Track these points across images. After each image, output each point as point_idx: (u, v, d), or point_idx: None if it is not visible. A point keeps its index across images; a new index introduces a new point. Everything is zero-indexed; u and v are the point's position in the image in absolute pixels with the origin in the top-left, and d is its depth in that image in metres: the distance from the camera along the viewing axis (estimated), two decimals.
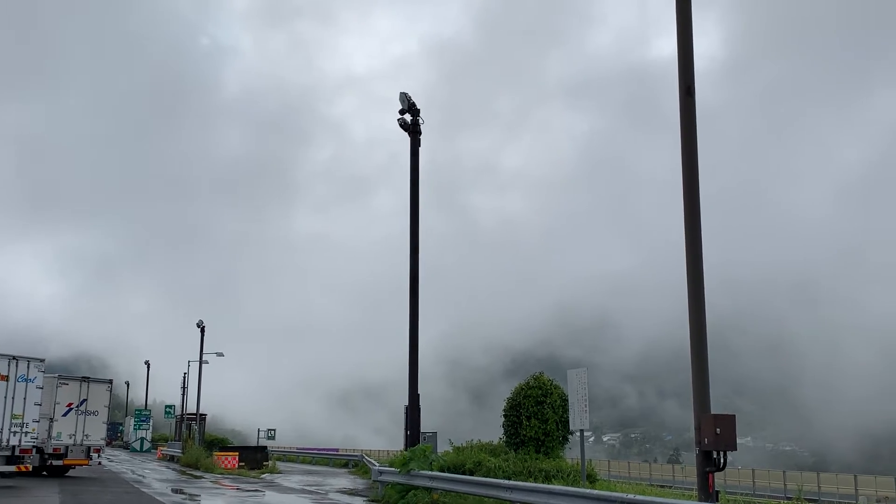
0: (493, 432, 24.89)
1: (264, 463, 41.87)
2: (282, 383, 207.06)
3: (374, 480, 24.98)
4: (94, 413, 31.76)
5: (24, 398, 26.62)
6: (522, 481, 17.69)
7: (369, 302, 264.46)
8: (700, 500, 13.68)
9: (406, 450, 24.04)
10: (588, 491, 14.77)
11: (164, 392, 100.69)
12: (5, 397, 26.04)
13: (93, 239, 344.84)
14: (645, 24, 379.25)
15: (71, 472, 32.53)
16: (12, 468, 26.15)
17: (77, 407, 31.35)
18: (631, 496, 13.10)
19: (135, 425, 76.33)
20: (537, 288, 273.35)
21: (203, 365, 54.75)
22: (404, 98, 26.13)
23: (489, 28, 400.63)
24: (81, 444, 31.20)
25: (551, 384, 22.62)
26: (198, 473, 37.13)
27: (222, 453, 41.06)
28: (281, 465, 45.38)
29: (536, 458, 21.01)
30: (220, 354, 56.65)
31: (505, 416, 22.87)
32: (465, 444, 24.39)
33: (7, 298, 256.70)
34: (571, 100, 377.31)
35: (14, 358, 26.57)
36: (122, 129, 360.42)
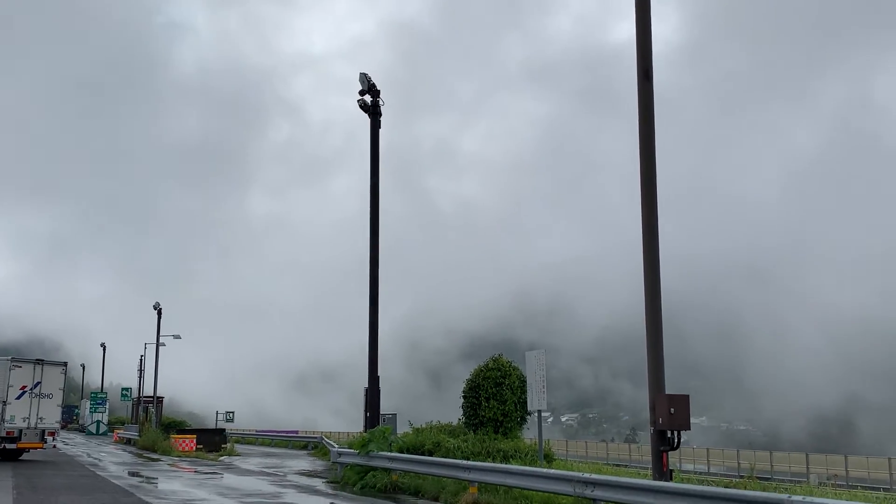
0: (452, 414, 25.04)
1: (223, 445, 41.66)
2: (240, 366, 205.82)
3: (333, 462, 25.03)
4: (48, 396, 31.32)
5: None
6: (481, 461, 17.88)
7: (328, 284, 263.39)
8: (654, 479, 13.95)
9: (366, 431, 24.13)
10: (545, 470, 14.99)
11: (121, 375, 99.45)
12: None
13: (45, 219, 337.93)
14: (604, 9, 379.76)
15: (25, 456, 32.10)
16: None
17: (31, 390, 30.89)
18: (587, 475, 13.32)
19: (91, 408, 75.41)
20: (495, 272, 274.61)
21: (160, 347, 54.22)
22: (364, 79, 25.98)
23: (449, 10, 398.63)
24: (36, 428, 30.78)
25: (510, 366, 22.81)
26: (155, 456, 36.86)
27: (180, 436, 40.79)
28: (240, 448, 45.22)
29: (495, 439, 21.21)
30: (176, 337, 56.14)
31: (464, 397, 23.01)
32: (424, 426, 24.52)
33: None
34: (530, 84, 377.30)
35: None
36: (75, 106, 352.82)
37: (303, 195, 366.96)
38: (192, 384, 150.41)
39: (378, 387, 25.83)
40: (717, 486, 12.23)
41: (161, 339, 54.12)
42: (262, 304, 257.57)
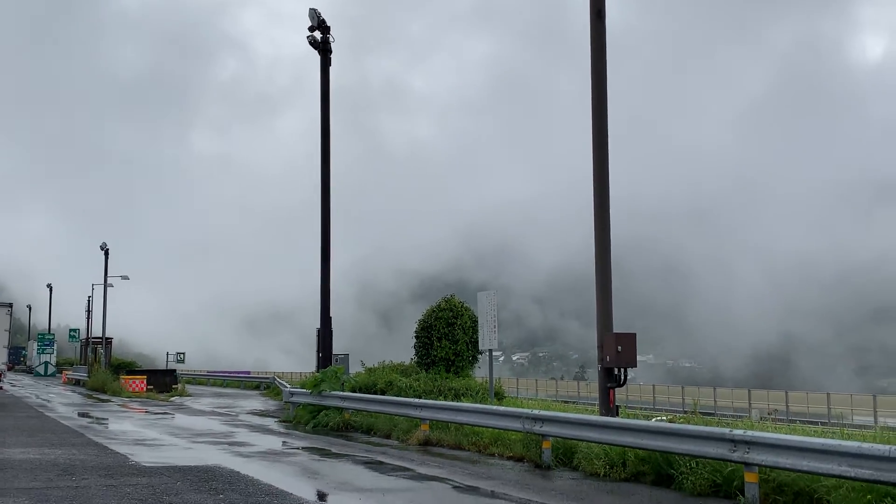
0: (405, 354, 25.28)
1: (173, 386, 41.56)
2: (190, 307, 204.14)
3: (285, 402, 25.18)
4: None
5: None
6: (433, 400, 18.16)
7: (278, 225, 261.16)
8: (601, 415, 14.34)
9: (318, 372, 24.27)
10: (495, 408, 15.30)
11: (68, 316, 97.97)
12: None
13: None
14: None
15: None
16: None
17: None
18: (536, 412, 13.63)
19: (38, 349, 74.45)
20: (447, 213, 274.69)
21: (108, 288, 53.49)
22: (314, 15, 25.44)
23: None
24: None
25: (462, 306, 23.02)
26: (105, 397, 36.66)
27: (130, 377, 40.51)
28: (191, 389, 45.18)
29: (447, 378, 21.50)
30: (124, 278, 55.35)
31: (417, 337, 23.21)
32: (376, 366, 24.71)
33: None
34: (482, 22, 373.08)
35: None
36: (13, 42, 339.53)
37: (250, 134, 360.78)
38: (142, 325, 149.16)
39: (330, 328, 25.91)
40: (662, 420, 12.62)
41: (109, 280, 53.39)
42: (212, 244, 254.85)
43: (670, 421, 12.40)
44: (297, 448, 16.55)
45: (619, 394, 17.44)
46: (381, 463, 13.96)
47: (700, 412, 14.80)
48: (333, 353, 26.65)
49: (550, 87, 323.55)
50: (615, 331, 14.81)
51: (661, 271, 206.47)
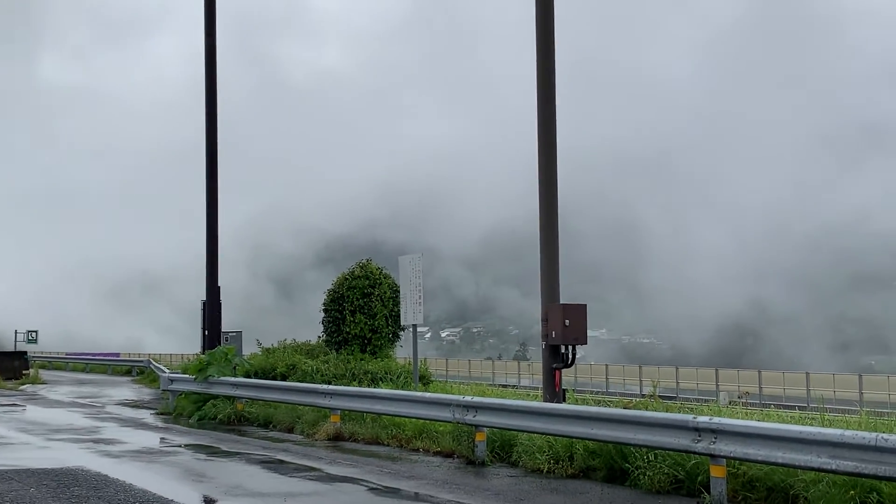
0: (310, 331, 25.28)
1: (24, 372, 40.79)
2: (42, 275, 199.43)
3: (164, 390, 24.95)
4: None
5: None
6: (345, 385, 18.17)
7: (149, 175, 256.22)
8: (545, 401, 14.59)
9: (204, 353, 24.09)
10: (420, 394, 15.40)
11: None
12: None
13: None
14: None
15: None
16: None
17: None
18: (468, 398, 13.77)
19: None
20: (359, 160, 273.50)
21: None
22: None
23: None
24: None
25: (380, 273, 23.06)
26: None
27: None
28: (46, 375, 44.33)
29: (362, 359, 21.57)
30: None
31: (325, 310, 23.18)
32: (276, 345, 24.64)
33: None
34: None
35: None
36: None
37: (116, 61, 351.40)
38: None
39: (219, 299, 25.70)
40: (616, 406, 12.90)
41: None
42: (69, 198, 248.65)
43: (625, 407, 12.68)
44: (179, 445, 16.42)
45: (567, 375, 17.78)
46: (282, 462, 13.95)
47: (660, 396, 15.17)
48: (223, 330, 26.47)
49: (486, 11, 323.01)
50: (562, 301, 15.02)
51: (612, 230, 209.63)
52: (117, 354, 72.20)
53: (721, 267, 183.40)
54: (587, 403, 15.27)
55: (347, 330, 22.45)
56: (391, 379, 20.08)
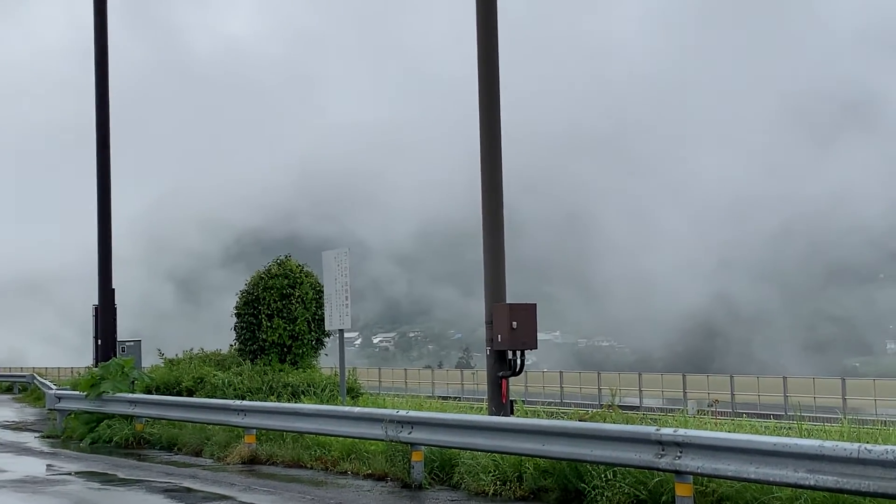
0: (220, 339, 25.10)
1: None
2: None
3: (50, 409, 24.67)
4: None
5: None
6: (261, 401, 18.09)
7: (30, 157, 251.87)
8: (491, 414, 14.65)
9: (97, 366, 23.83)
10: (348, 409, 15.39)
11: None
12: None
13: None
14: None
15: None
16: None
17: None
18: (403, 413, 13.79)
19: None
20: (273, 142, 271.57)
21: None
22: None
23: None
24: None
25: (301, 271, 23.02)
26: None
27: None
28: None
29: (281, 370, 21.52)
30: None
31: (238, 315, 23.09)
32: (181, 356, 24.47)
33: None
34: None
35: None
36: None
37: None
38: None
39: (114, 304, 25.44)
40: (571, 419, 13.01)
41: None
42: None
43: (580, 419, 12.79)
44: (69, 473, 16.27)
45: (516, 384, 17.91)
46: (189, 490, 13.87)
47: (620, 406, 15.35)
48: (119, 339, 26.20)
49: None
50: (508, 300, 15.09)
51: (562, 219, 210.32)
52: None
53: (683, 259, 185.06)
54: (538, 416, 15.36)
55: (264, 337, 22.37)
56: (315, 392, 20.03)
